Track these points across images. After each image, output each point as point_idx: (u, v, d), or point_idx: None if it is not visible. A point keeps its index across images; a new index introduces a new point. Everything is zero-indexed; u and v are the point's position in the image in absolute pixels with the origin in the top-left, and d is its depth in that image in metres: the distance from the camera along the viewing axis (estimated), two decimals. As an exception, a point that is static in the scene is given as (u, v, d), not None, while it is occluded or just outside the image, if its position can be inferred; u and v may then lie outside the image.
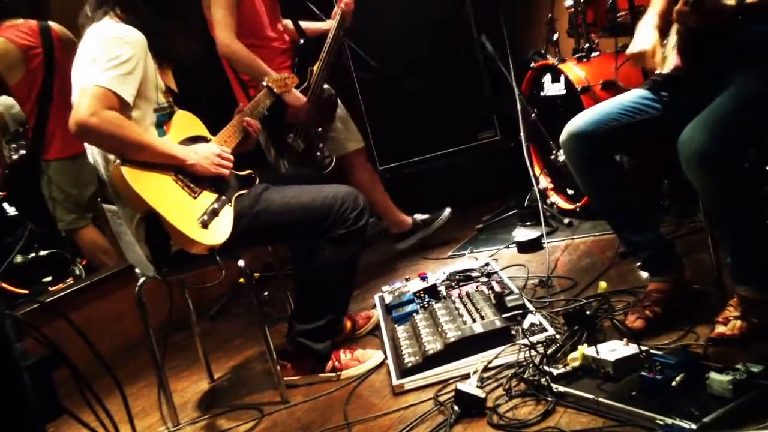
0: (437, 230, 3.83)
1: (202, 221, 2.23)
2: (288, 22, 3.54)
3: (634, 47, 2.16)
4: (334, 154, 3.46)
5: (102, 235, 4.02)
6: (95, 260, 4.05)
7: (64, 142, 3.75)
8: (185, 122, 2.46)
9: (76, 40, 2.38)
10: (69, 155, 3.79)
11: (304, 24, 3.55)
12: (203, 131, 2.52)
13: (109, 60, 2.17)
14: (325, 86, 3.43)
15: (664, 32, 2.14)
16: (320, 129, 3.38)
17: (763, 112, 1.97)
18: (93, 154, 2.35)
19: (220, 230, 2.27)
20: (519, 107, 3.51)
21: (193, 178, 2.31)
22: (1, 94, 3.82)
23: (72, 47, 2.32)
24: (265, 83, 2.80)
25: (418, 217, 3.86)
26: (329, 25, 3.50)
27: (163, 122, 2.37)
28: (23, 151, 4.03)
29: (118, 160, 2.18)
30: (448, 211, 3.87)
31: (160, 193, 2.20)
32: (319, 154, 3.34)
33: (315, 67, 3.36)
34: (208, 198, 2.33)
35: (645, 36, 2.15)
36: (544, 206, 3.54)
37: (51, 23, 3.79)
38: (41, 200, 3.93)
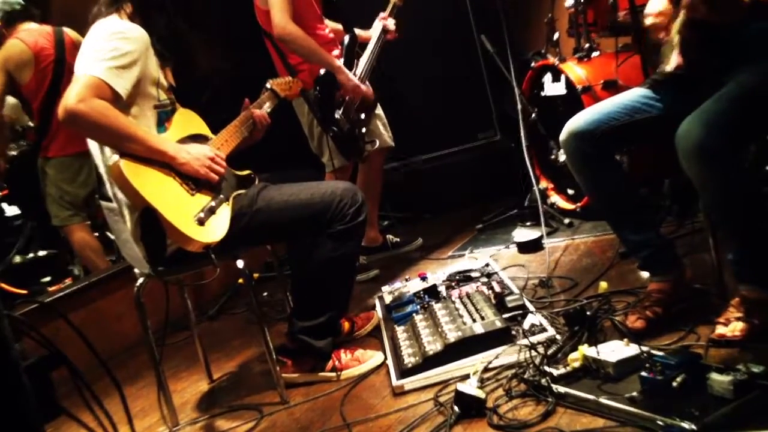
0: (401, 255, 3.88)
1: (198, 218, 2.21)
2: (337, 25, 3.72)
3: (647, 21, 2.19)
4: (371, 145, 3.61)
5: (92, 234, 4.08)
6: (85, 258, 4.10)
7: (67, 140, 3.82)
8: (187, 120, 2.46)
9: None
10: (70, 153, 3.86)
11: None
12: (204, 130, 2.50)
13: (106, 52, 2.17)
14: (368, 83, 3.59)
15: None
16: (363, 116, 3.51)
17: (760, 107, 1.96)
18: (93, 148, 2.35)
19: (217, 228, 2.26)
20: (519, 107, 3.51)
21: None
22: (12, 91, 3.90)
23: None
24: (269, 86, 2.80)
25: (391, 238, 3.95)
26: (370, 34, 3.70)
27: (164, 119, 2.36)
28: (22, 149, 4.13)
29: (117, 155, 2.17)
30: (419, 241, 3.96)
31: (158, 189, 2.19)
32: (360, 137, 3.49)
33: (360, 60, 3.55)
34: (206, 196, 2.31)
35: (654, 6, 2.15)
36: (545, 206, 3.53)
37: (65, 29, 3.87)
38: (41, 196, 4.00)
